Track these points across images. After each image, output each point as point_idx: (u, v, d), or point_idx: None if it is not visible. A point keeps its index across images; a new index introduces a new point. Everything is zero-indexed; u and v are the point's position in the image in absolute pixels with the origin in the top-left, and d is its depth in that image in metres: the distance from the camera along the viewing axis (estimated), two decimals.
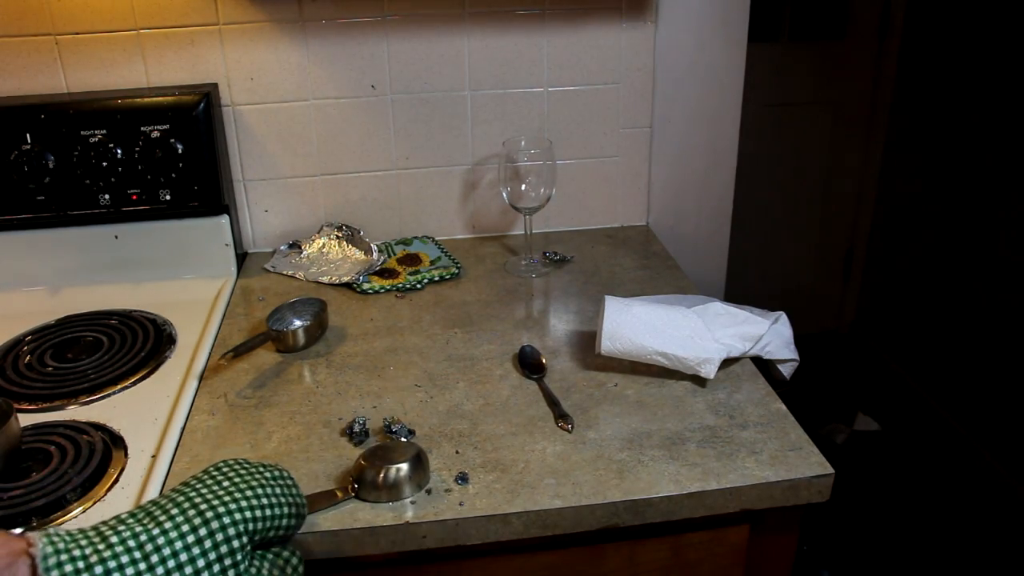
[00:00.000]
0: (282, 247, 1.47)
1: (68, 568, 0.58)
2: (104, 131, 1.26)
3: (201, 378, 1.09)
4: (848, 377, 2.96)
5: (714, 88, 1.51)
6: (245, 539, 0.67)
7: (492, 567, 0.91)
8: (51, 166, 1.26)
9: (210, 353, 1.15)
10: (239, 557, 0.66)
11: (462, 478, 0.88)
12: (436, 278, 1.36)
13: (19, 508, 0.83)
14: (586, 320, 1.22)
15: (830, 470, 0.89)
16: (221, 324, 1.23)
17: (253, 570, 0.68)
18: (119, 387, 1.07)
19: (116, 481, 0.89)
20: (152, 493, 0.87)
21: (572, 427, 0.96)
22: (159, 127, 1.27)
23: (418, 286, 1.34)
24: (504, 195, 1.36)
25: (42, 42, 1.30)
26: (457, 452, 0.92)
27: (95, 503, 0.86)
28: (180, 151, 1.28)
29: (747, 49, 1.49)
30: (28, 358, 1.13)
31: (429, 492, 0.86)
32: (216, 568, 0.64)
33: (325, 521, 0.82)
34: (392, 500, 0.84)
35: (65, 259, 1.33)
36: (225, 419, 1.00)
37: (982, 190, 2.41)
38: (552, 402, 1.01)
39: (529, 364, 1.09)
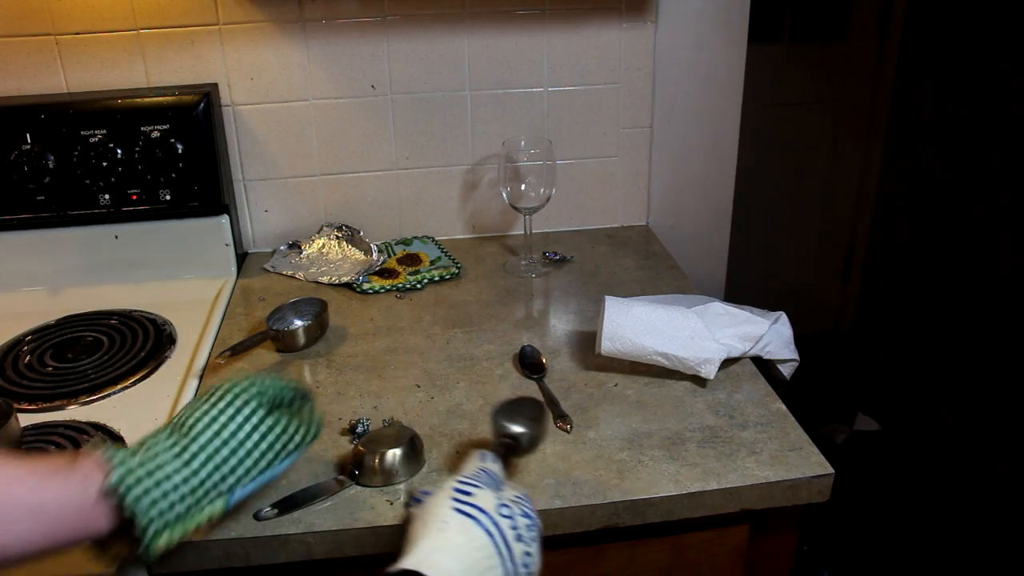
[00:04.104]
0: (282, 247, 1.47)
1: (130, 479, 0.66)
2: (104, 131, 1.26)
3: (201, 378, 1.09)
4: (848, 377, 2.96)
5: (714, 88, 1.51)
6: (261, 409, 0.74)
7: None
8: (51, 166, 1.26)
9: (210, 353, 1.15)
10: (256, 419, 0.73)
11: None
12: (436, 278, 1.36)
13: None
14: (586, 320, 1.22)
15: (830, 470, 0.89)
16: (221, 324, 1.23)
17: (270, 420, 0.74)
18: (119, 387, 1.07)
19: None
20: None
21: (571, 427, 0.96)
22: (159, 127, 1.27)
23: (418, 286, 1.34)
24: (504, 195, 1.36)
25: (42, 42, 1.30)
26: (457, 452, 0.92)
27: None
28: (180, 151, 1.28)
29: (747, 49, 1.49)
30: (28, 358, 1.13)
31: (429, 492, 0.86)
32: (242, 426, 0.72)
33: (325, 521, 0.82)
34: (389, 484, 0.86)
35: (65, 259, 1.33)
36: None
37: (982, 190, 2.41)
38: (552, 402, 1.01)
39: (529, 364, 1.09)
